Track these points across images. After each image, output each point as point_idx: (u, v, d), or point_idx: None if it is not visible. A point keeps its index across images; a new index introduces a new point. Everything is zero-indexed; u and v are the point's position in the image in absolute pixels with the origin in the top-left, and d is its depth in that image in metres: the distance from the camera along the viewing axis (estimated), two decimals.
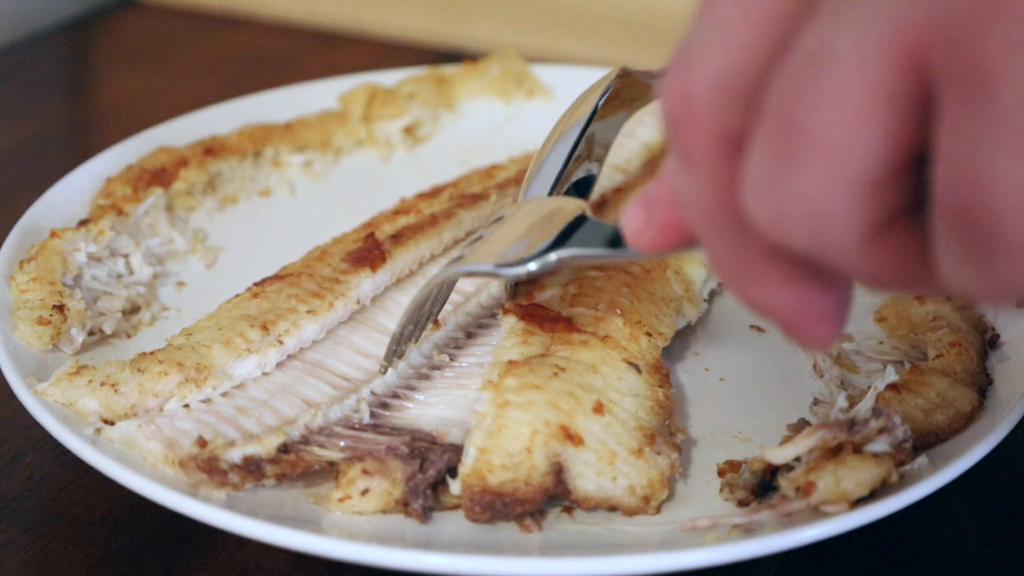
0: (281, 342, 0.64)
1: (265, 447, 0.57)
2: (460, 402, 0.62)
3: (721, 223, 0.39)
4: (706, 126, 0.38)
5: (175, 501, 0.54)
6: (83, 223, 0.72)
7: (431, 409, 0.62)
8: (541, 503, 0.55)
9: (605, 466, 0.56)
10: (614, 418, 0.58)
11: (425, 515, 0.56)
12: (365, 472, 0.56)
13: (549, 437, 0.56)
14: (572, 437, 0.56)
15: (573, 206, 0.55)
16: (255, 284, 0.69)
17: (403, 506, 0.56)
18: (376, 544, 0.52)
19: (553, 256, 0.53)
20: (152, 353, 0.62)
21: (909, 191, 0.35)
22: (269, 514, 0.54)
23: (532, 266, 0.54)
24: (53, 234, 0.70)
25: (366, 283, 0.69)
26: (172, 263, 0.76)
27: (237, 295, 0.68)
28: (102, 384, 0.60)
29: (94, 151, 0.81)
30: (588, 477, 0.55)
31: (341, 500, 0.56)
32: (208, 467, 0.56)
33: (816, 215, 0.36)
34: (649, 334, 0.64)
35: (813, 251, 0.37)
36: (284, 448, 0.57)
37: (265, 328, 0.64)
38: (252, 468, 0.56)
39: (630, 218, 0.45)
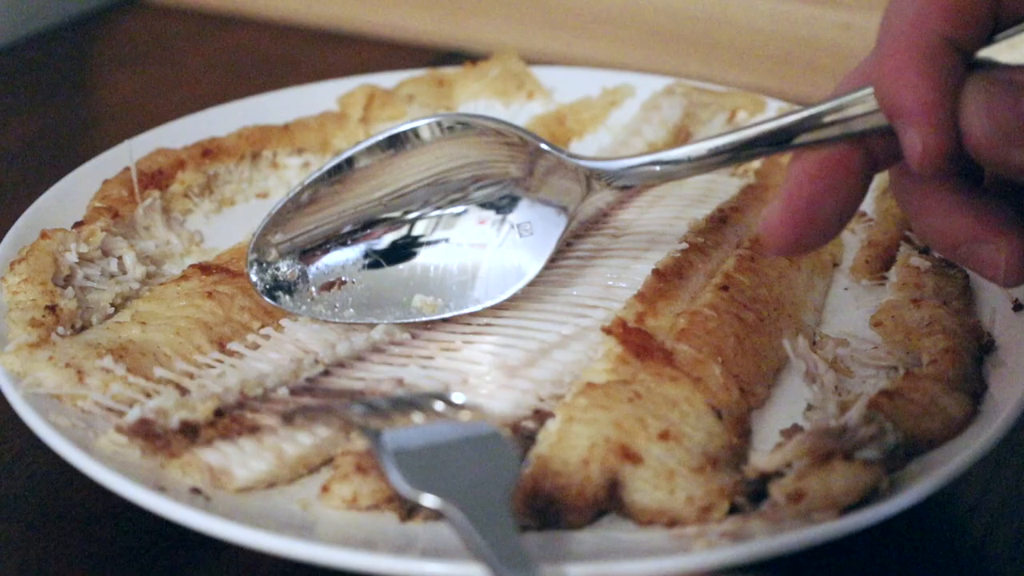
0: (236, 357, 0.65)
1: (201, 412, 0.58)
2: (410, 368, 0.63)
3: None
4: None
5: (169, 509, 0.54)
6: (78, 225, 0.72)
7: (373, 373, 0.62)
8: (592, 514, 0.55)
9: (663, 481, 0.55)
10: (679, 445, 0.57)
11: (411, 514, 0.56)
12: (359, 468, 0.56)
13: (607, 452, 0.56)
14: (631, 456, 0.56)
15: None
16: (202, 272, 0.69)
17: (394, 502, 0.56)
18: (365, 551, 0.51)
19: None
20: (119, 355, 0.62)
21: None
22: (258, 521, 0.54)
23: None
24: (43, 235, 0.70)
25: None
26: (169, 265, 0.76)
27: (185, 281, 0.68)
28: (67, 365, 0.60)
29: (94, 151, 0.80)
30: (644, 491, 0.55)
31: (326, 490, 0.56)
32: (145, 432, 0.57)
33: None
34: (743, 390, 0.62)
35: None
36: (219, 413, 0.58)
37: (221, 345, 0.65)
38: (189, 433, 0.57)
39: None
